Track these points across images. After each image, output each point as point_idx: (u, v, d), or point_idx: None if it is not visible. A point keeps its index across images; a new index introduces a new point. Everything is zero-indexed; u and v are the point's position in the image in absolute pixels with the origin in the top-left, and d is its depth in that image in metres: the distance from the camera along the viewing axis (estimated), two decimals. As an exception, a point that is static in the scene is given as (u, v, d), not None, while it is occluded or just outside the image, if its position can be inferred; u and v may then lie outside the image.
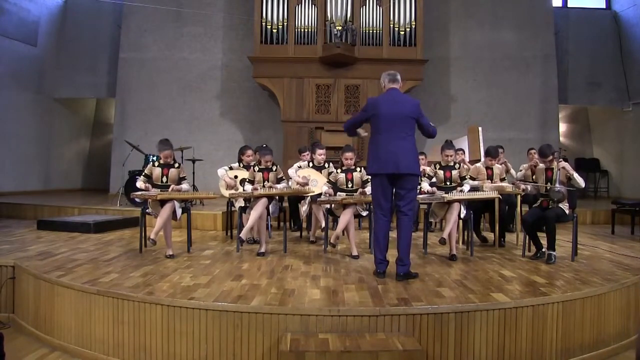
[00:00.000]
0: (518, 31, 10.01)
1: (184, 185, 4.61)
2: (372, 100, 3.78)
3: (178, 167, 4.69)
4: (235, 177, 5.49)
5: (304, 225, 5.94)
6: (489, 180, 5.25)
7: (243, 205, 5.12)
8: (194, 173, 7.74)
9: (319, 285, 3.44)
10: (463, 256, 4.65)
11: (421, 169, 5.62)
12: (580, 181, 4.35)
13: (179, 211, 4.54)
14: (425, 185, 4.81)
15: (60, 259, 4.17)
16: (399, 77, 3.80)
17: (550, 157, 4.46)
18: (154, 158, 6.62)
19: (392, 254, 3.70)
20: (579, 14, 10.68)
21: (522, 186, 4.65)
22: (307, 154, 5.98)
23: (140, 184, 4.54)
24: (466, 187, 4.76)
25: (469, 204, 4.77)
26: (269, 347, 2.83)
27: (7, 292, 3.95)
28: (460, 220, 4.92)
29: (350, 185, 4.80)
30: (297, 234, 5.95)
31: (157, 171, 4.61)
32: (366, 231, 5.90)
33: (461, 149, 6.51)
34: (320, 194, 4.96)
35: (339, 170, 4.89)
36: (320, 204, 4.97)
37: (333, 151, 7.67)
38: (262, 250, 4.56)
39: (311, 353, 2.58)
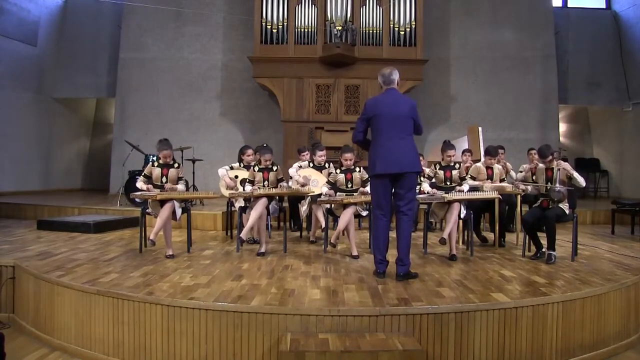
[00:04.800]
0: (518, 31, 10.01)
1: (179, 186, 4.61)
2: (371, 101, 3.76)
3: (177, 167, 4.69)
4: (236, 177, 5.49)
5: (304, 225, 5.95)
6: (489, 180, 5.25)
7: (243, 205, 5.13)
8: (193, 173, 7.74)
9: (319, 285, 3.44)
10: (463, 256, 4.65)
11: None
12: (580, 180, 4.35)
13: (178, 211, 4.54)
14: (425, 187, 4.81)
15: (60, 259, 4.17)
16: (394, 76, 3.70)
17: (550, 157, 4.46)
18: (154, 158, 6.62)
19: (392, 254, 3.70)
20: (579, 14, 10.68)
21: (522, 187, 4.64)
22: (307, 154, 5.98)
23: (140, 184, 4.54)
24: (465, 187, 4.77)
25: (469, 204, 4.77)
26: (269, 347, 2.83)
27: (7, 292, 3.95)
28: (460, 220, 4.92)
29: (349, 186, 4.80)
30: (297, 234, 5.95)
31: (157, 171, 4.61)
32: (366, 231, 5.90)
33: (469, 151, 6.41)
34: (320, 194, 4.96)
35: (338, 171, 4.89)
36: (320, 204, 4.97)
37: (333, 151, 7.67)
38: (262, 250, 4.56)
39: (311, 353, 2.58)
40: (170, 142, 4.70)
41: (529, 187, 4.57)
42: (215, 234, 6.11)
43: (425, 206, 4.97)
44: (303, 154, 6.01)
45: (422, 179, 5.21)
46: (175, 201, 4.48)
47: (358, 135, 3.78)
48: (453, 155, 4.87)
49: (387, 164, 3.58)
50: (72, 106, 11.15)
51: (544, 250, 4.44)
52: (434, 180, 4.87)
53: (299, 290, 3.28)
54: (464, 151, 6.27)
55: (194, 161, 7.74)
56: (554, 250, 4.32)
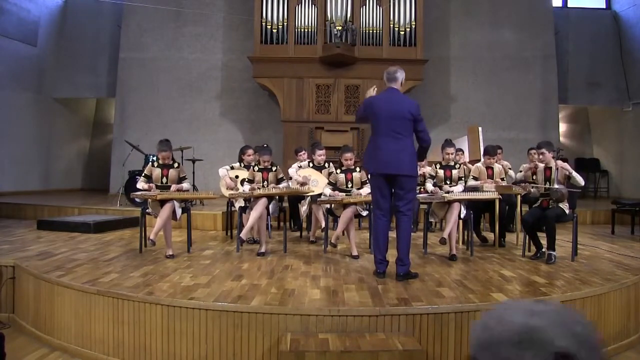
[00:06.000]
0: (518, 31, 10.00)
1: (185, 184, 4.63)
2: (368, 100, 3.76)
3: (177, 167, 4.69)
4: (236, 177, 5.49)
5: (304, 225, 5.94)
6: (490, 179, 5.25)
7: (243, 205, 5.13)
8: (194, 173, 7.73)
9: (319, 285, 3.44)
10: (463, 256, 4.65)
11: (422, 171, 5.64)
12: (579, 179, 4.33)
13: (178, 211, 4.54)
14: (429, 186, 4.82)
15: (60, 259, 4.17)
16: (398, 75, 3.69)
17: (542, 150, 4.46)
18: (154, 158, 6.61)
19: (392, 254, 3.70)
20: (579, 14, 10.68)
21: (529, 188, 4.63)
22: (304, 153, 5.99)
23: (141, 184, 4.54)
24: (459, 188, 4.76)
25: (469, 204, 4.77)
26: (269, 347, 2.83)
27: (7, 292, 3.95)
28: (460, 220, 4.92)
29: (349, 186, 4.80)
30: (297, 234, 5.95)
31: (157, 172, 4.61)
32: (366, 231, 5.90)
33: (461, 149, 6.47)
34: (320, 194, 4.96)
35: (338, 171, 4.89)
36: (320, 204, 4.97)
37: (333, 151, 7.67)
38: (262, 250, 4.56)
39: (311, 353, 2.58)
40: (171, 142, 4.70)
41: (532, 190, 4.57)
42: (215, 234, 6.11)
43: (425, 206, 4.98)
44: (300, 153, 6.01)
45: (425, 179, 5.21)
46: (175, 201, 4.48)
47: (357, 114, 3.93)
48: (452, 153, 4.88)
49: (378, 165, 3.59)
50: (72, 106, 11.14)
51: (544, 250, 4.44)
52: (434, 180, 4.87)
53: (299, 290, 3.28)
54: (456, 150, 6.29)
55: (194, 161, 7.74)
56: (554, 250, 4.31)
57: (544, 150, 4.46)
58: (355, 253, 4.49)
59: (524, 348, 0.70)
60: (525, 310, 0.74)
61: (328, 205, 4.80)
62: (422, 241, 4.97)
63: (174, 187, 4.55)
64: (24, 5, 9.44)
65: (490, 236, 5.60)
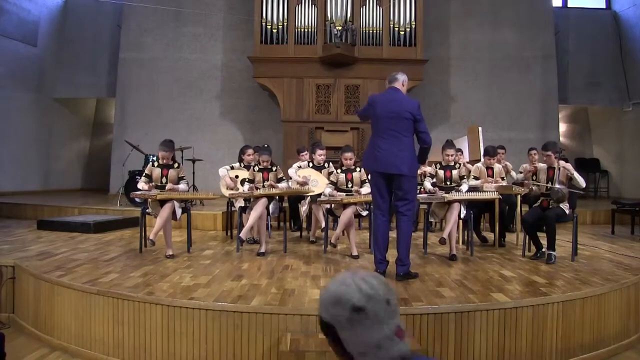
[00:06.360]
0: (518, 31, 10.01)
1: (181, 186, 4.61)
2: (371, 98, 3.80)
3: (177, 168, 4.69)
4: (236, 176, 5.49)
5: (304, 225, 5.94)
6: (491, 178, 5.25)
7: (243, 205, 5.13)
8: (194, 173, 7.74)
9: (319, 285, 3.44)
10: (463, 256, 4.65)
11: (422, 170, 5.64)
12: (581, 181, 4.33)
13: (178, 211, 4.54)
14: (427, 185, 4.82)
15: (60, 259, 4.17)
16: (399, 76, 3.73)
17: (549, 153, 4.45)
18: (154, 158, 6.61)
19: (392, 254, 3.70)
20: (579, 14, 10.68)
21: (532, 187, 4.61)
22: (306, 154, 5.98)
23: (142, 185, 4.54)
24: (464, 187, 4.77)
25: (469, 204, 4.77)
26: (269, 347, 2.83)
27: (7, 292, 3.94)
28: (460, 220, 4.92)
29: (350, 186, 4.80)
30: (297, 234, 5.95)
31: (157, 172, 4.61)
32: (366, 231, 5.90)
33: (460, 150, 6.47)
34: (320, 194, 4.96)
35: (338, 171, 4.89)
36: (320, 204, 4.97)
37: (333, 151, 7.67)
38: (262, 250, 4.56)
39: (311, 353, 2.58)
40: (173, 144, 4.69)
41: (534, 188, 4.56)
42: (215, 234, 6.11)
43: (425, 206, 4.98)
44: (302, 154, 6.01)
45: (424, 177, 5.21)
46: (175, 201, 4.48)
47: (359, 111, 4.01)
48: (452, 155, 4.88)
49: (375, 163, 3.61)
50: (72, 106, 11.14)
51: (544, 250, 4.44)
52: (434, 180, 4.88)
53: (299, 290, 3.28)
54: (456, 150, 6.28)
55: (194, 161, 7.75)
56: (554, 250, 4.31)
57: (549, 152, 4.44)
58: (355, 253, 4.49)
59: (336, 305, 1.11)
60: (339, 281, 1.14)
61: (328, 205, 4.80)
62: (422, 241, 4.97)
63: (168, 186, 4.53)
64: (24, 5, 9.44)
65: (490, 236, 5.60)
